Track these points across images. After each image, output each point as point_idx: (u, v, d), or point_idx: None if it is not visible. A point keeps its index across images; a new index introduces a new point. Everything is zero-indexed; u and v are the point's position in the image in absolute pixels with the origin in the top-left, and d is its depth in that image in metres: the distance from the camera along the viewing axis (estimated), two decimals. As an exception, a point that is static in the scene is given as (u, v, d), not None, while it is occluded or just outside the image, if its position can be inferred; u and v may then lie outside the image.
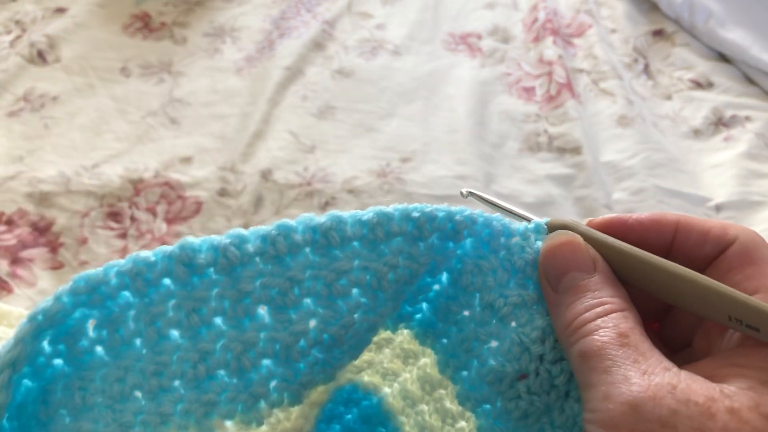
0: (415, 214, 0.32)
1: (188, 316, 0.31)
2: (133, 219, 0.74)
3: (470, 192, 0.35)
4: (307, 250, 0.31)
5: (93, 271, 0.30)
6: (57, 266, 0.70)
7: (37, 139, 0.82)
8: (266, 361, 0.31)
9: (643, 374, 0.26)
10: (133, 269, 0.30)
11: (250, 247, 0.31)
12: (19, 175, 0.77)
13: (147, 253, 0.31)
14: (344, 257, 0.31)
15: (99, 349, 0.31)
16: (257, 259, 0.31)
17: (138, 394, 0.31)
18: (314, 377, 0.32)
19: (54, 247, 0.71)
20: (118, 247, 0.71)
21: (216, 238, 0.31)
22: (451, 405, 0.36)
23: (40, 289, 0.67)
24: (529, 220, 0.33)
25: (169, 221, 0.74)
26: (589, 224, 0.33)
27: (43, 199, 0.74)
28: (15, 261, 0.69)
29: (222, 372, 0.31)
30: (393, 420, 0.37)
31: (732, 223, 0.32)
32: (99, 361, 0.31)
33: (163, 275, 0.30)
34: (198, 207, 0.75)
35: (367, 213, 0.32)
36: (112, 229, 0.73)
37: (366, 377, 0.38)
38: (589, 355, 0.28)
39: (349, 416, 0.38)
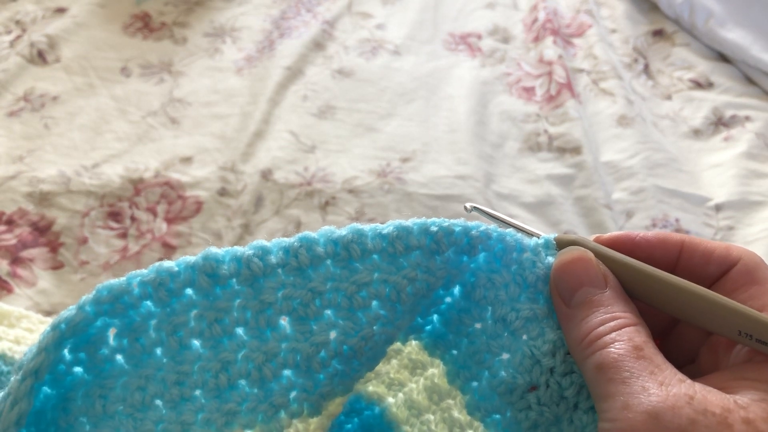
0: (434, 228, 0.32)
1: (210, 326, 0.31)
2: (133, 219, 0.74)
3: (474, 207, 0.35)
4: (329, 262, 0.32)
5: (116, 280, 0.30)
6: (57, 266, 0.70)
7: (37, 138, 0.82)
8: (287, 372, 0.32)
9: (661, 385, 0.27)
10: (156, 279, 0.30)
11: (272, 259, 0.31)
12: (20, 174, 0.77)
13: (170, 263, 0.31)
14: (364, 270, 0.32)
15: (119, 357, 0.31)
16: (280, 270, 0.31)
17: (159, 403, 0.31)
18: (333, 388, 0.32)
19: (54, 247, 0.71)
20: (118, 247, 0.71)
21: (239, 250, 0.31)
22: (459, 415, 0.37)
23: (40, 288, 0.67)
24: (531, 234, 0.34)
25: (170, 221, 0.74)
26: (597, 240, 0.34)
27: (43, 198, 0.75)
28: (15, 260, 0.69)
29: (243, 382, 0.31)
30: (396, 430, 0.38)
31: (735, 244, 0.33)
32: (119, 370, 0.31)
33: (185, 285, 0.31)
34: (198, 207, 0.75)
35: (387, 226, 0.32)
36: (112, 228, 0.73)
37: (371, 387, 0.38)
38: (606, 366, 0.28)
39: (350, 426, 0.38)
